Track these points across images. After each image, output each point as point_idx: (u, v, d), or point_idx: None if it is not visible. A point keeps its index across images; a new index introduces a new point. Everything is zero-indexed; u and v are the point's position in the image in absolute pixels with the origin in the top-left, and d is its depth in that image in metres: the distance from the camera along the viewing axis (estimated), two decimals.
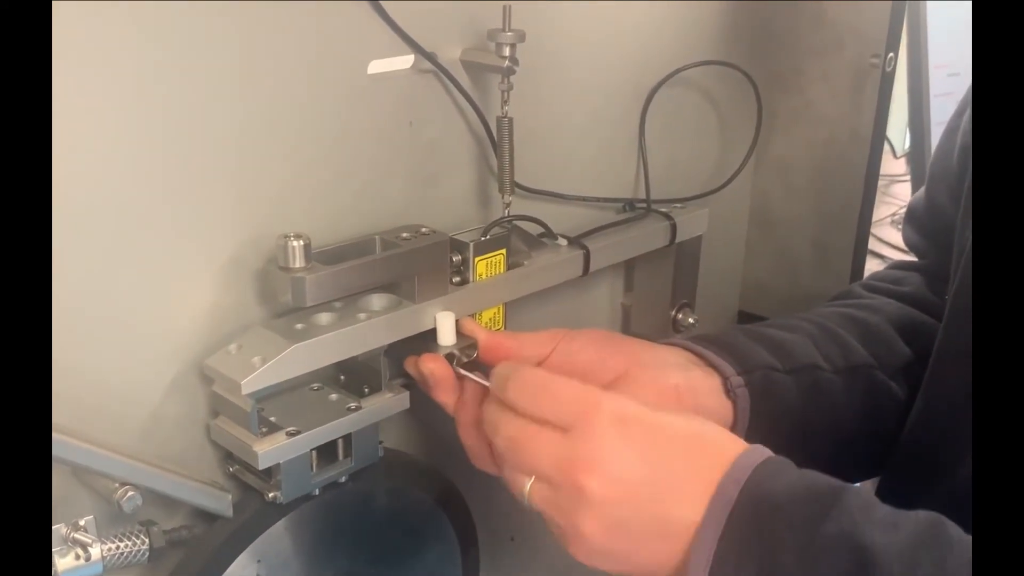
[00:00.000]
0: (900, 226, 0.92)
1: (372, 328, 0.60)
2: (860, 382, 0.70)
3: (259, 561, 0.60)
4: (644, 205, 0.83)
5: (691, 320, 0.87)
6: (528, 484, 0.54)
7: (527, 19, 0.67)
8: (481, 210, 0.73)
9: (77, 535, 0.51)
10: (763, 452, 0.52)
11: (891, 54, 0.88)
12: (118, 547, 0.54)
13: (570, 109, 0.77)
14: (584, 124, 0.79)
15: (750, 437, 0.63)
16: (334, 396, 0.63)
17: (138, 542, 0.55)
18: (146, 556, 0.55)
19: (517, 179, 0.71)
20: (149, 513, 0.58)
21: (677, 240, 0.82)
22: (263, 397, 0.61)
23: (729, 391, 0.65)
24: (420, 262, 0.62)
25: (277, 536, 0.61)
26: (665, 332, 0.87)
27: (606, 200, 0.81)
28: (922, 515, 0.49)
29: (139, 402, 0.57)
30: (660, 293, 0.86)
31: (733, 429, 0.64)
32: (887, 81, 0.89)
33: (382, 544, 0.68)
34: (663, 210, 0.83)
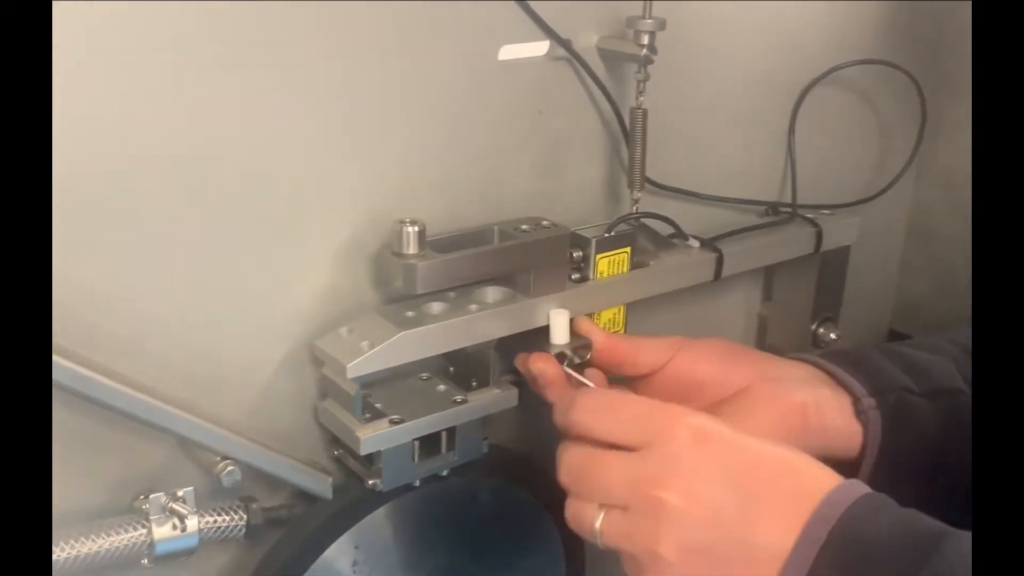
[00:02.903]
0: None
1: (482, 320, 0.59)
2: None
3: (357, 547, 0.60)
4: (789, 209, 0.78)
5: (833, 336, 0.81)
6: (599, 519, 0.50)
7: (670, 7, 0.64)
8: (610, 205, 0.70)
9: (175, 505, 0.52)
10: (859, 488, 0.48)
11: None
12: (215, 520, 0.54)
13: (711, 104, 0.73)
14: (726, 121, 0.75)
15: (880, 464, 0.58)
16: (442, 387, 0.61)
17: (236, 517, 0.55)
18: (243, 531, 0.55)
19: (649, 175, 0.68)
20: (252, 490, 0.58)
21: (823, 249, 0.77)
22: (370, 383, 0.60)
23: (860, 412, 0.60)
24: (537, 256, 0.60)
25: (376, 523, 0.60)
26: (804, 347, 0.82)
27: (747, 202, 0.77)
28: None
29: (250, 378, 0.57)
30: (801, 305, 0.81)
31: (862, 454, 0.60)
32: None
33: (483, 542, 0.67)
34: (809, 216, 0.78)
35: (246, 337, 0.56)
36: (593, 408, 0.52)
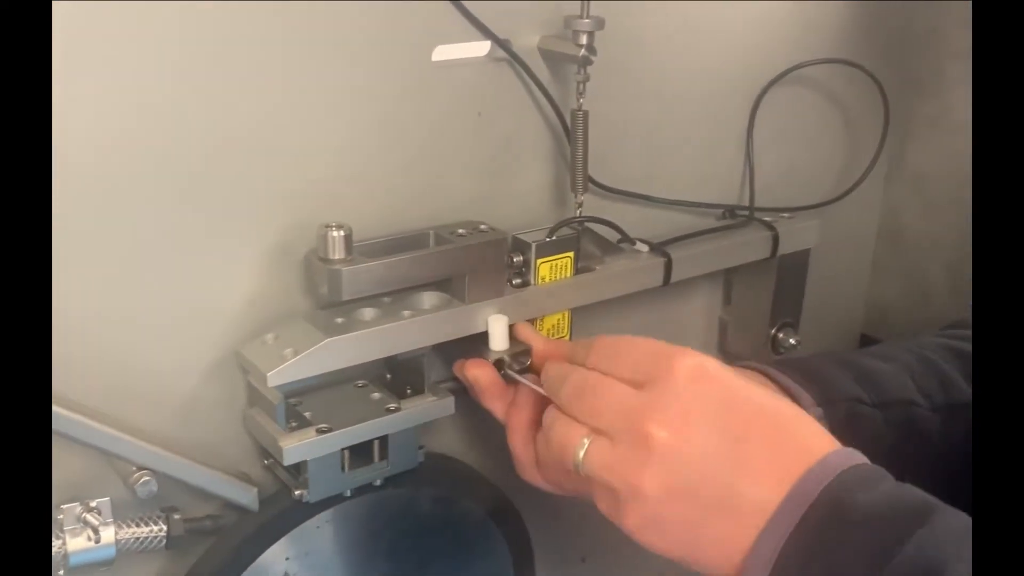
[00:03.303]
0: None
1: (415, 327, 0.57)
2: (961, 422, 0.62)
3: (288, 559, 0.59)
4: (747, 213, 0.77)
5: (793, 341, 0.79)
6: (585, 445, 0.49)
7: (617, 8, 0.63)
8: (557, 210, 0.69)
9: (89, 516, 0.50)
10: (857, 456, 0.46)
11: None
12: (135, 532, 0.53)
13: (665, 105, 0.72)
14: (681, 122, 0.73)
15: None
16: (376, 395, 0.60)
17: (156, 528, 0.54)
18: (163, 543, 0.54)
19: (599, 178, 0.67)
20: (183, 502, 0.57)
21: (780, 252, 0.75)
22: (302, 391, 0.59)
23: None
24: (472, 260, 0.59)
25: (309, 534, 0.59)
26: (763, 352, 0.80)
27: (702, 205, 0.75)
28: None
29: (175, 386, 0.56)
30: (760, 310, 0.79)
31: None
32: None
33: (426, 553, 0.65)
34: (767, 219, 0.76)
35: (169, 344, 0.55)
36: (604, 347, 0.51)
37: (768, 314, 0.78)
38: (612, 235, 0.68)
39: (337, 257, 0.54)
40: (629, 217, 0.70)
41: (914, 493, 0.45)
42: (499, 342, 0.60)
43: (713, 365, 0.48)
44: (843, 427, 0.59)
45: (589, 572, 0.83)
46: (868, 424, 0.60)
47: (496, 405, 0.59)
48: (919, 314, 0.92)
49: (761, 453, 0.46)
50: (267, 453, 0.59)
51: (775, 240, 0.75)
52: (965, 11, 0.82)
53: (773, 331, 0.79)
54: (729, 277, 0.81)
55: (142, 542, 0.53)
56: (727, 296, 0.82)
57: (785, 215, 0.78)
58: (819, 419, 0.59)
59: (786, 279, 0.78)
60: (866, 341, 0.97)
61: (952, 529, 0.42)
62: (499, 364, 0.60)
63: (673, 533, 0.46)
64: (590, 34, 0.60)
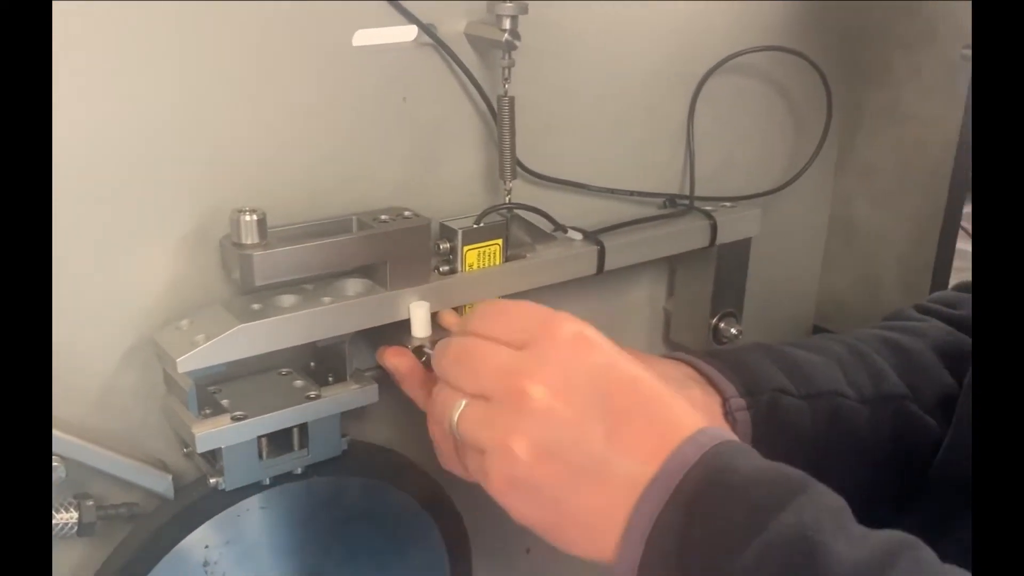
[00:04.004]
0: None
1: (333, 314, 0.57)
2: (889, 413, 0.61)
3: (207, 547, 0.58)
4: (687, 202, 0.76)
5: (734, 331, 0.79)
6: (462, 404, 0.48)
7: None
8: (489, 199, 0.68)
9: None
10: (729, 434, 0.46)
11: None
12: None
13: (598, 92, 0.71)
14: (616, 110, 0.73)
15: None
16: (298, 383, 0.60)
17: (67, 515, 0.53)
18: (75, 530, 0.53)
19: (534, 167, 0.67)
20: (104, 491, 0.57)
21: (719, 241, 0.75)
22: (222, 379, 0.59)
23: (727, 413, 0.58)
24: (394, 247, 0.58)
25: (229, 523, 0.58)
26: (705, 342, 0.80)
27: (640, 194, 0.75)
28: (896, 535, 0.42)
29: (90, 372, 0.55)
30: (701, 300, 0.79)
31: None
32: None
33: (357, 544, 0.65)
34: (707, 208, 0.76)
35: (83, 329, 0.54)
36: (484, 312, 0.51)
37: (709, 304, 0.78)
38: (547, 224, 0.68)
39: (250, 242, 0.54)
40: (566, 206, 0.70)
41: (789, 468, 0.44)
42: (420, 329, 0.59)
43: (594, 332, 0.48)
44: (767, 418, 0.59)
45: (534, 563, 0.83)
46: (793, 415, 0.60)
47: (417, 393, 0.59)
48: (870, 305, 0.92)
49: (636, 424, 0.45)
50: (186, 442, 0.58)
51: (713, 229, 0.74)
52: (912, 3, 0.82)
53: (714, 321, 0.78)
54: (673, 267, 0.81)
55: (53, 528, 0.53)
56: (671, 287, 0.82)
57: (726, 204, 0.77)
58: (740, 409, 0.59)
59: (726, 269, 0.77)
60: (819, 333, 0.96)
61: (827, 504, 0.42)
62: (420, 351, 0.59)
63: (541, 500, 0.46)
64: (514, 18, 0.60)
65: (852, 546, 0.40)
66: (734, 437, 0.46)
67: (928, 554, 0.41)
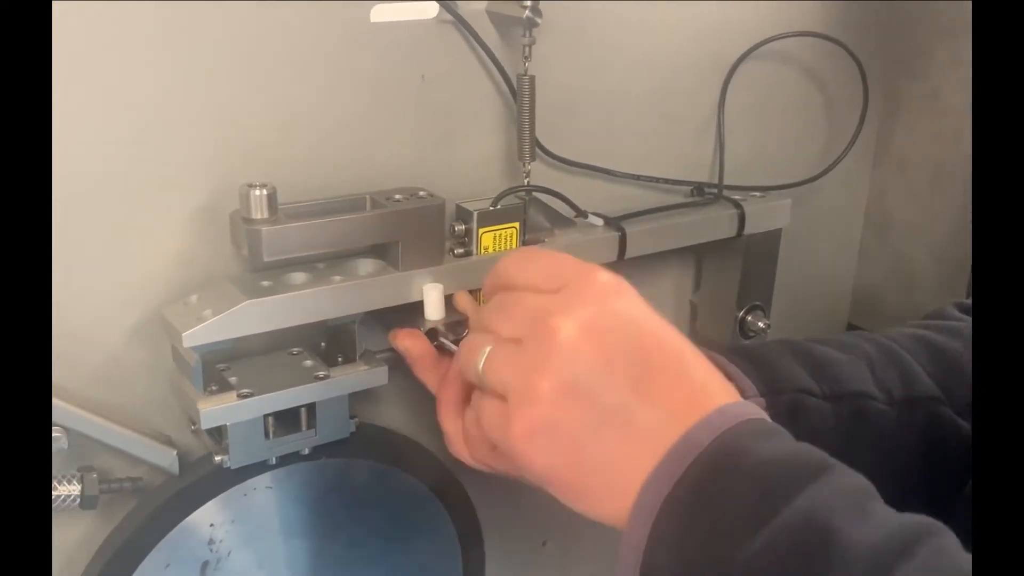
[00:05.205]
0: None
1: (343, 293, 0.56)
2: (920, 417, 0.58)
3: (212, 525, 0.57)
4: (715, 190, 0.74)
5: (761, 324, 0.77)
6: (487, 349, 0.47)
7: None
8: (508, 182, 0.67)
9: None
10: (757, 411, 0.44)
11: None
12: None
13: (624, 73, 0.69)
14: (643, 92, 0.71)
15: None
16: (308, 363, 0.59)
17: (70, 487, 0.53)
18: (77, 502, 0.53)
19: (554, 149, 0.65)
20: (110, 465, 0.56)
21: (746, 232, 0.73)
22: (231, 356, 0.58)
23: None
24: (407, 226, 0.57)
25: (235, 502, 0.58)
26: (731, 336, 0.78)
27: (667, 181, 0.73)
28: (918, 519, 0.39)
29: (96, 345, 0.55)
30: (728, 292, 0.77)
31: None
32: None
33: (364, 527, 0.64)
34: (736, 197, 0.74)
35: (92, 302, 0.54)
36: (518, 258, 0.50)
37: (735, 297, 0.76)
38: (566, 209, 0.67)
39: (259, 217, 0.53)
40: (587, 191, 0.69)
41: (812, 450, 0.42)
42: (434, 311, 0.58)
43: (631, 288, 0.47)
44: (787, 419, 0.56)
45: (550, 557, 0.81)
46: (815, 417, 0.57)
47: (428, 376, 0.58)
48: (905, 302, 0.89)
49: (664, 379, 0.44)
50: (192, 419, 0.58)
51: (741, 219, 0.72)
52: None
53: (741, 314, 0.76)
54: (699, 258, 0.79)
55: (55, 500, 0.52)
56: (697, 279, 0.80)
57: (756, 194, 0.75)
58: (761, 408, 0.56)
59: (755, 260, 0.75)
60: (854, 330, 0.94)
61: (847, 487, 0.40)
62: (432, 334, 0.58)
63: (561, 445, 0.44)
64: None
65: (868, 530, 0.38)
66: (762, 415, 0.44)
67: (951, 541, 0.39)
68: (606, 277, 0.46)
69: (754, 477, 0.41)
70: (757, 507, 0.39)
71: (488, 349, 0.47)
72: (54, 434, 0.51)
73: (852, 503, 0.39)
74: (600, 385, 0.44)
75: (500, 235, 0.62)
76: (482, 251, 0.61)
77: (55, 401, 0.51)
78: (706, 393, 0.44)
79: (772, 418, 0.56)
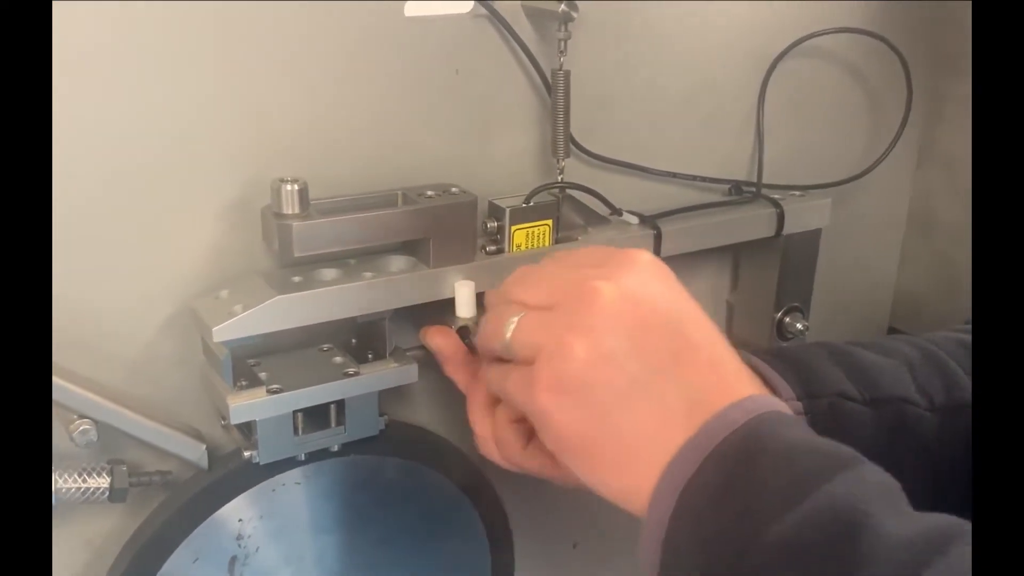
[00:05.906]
0: None
1: (374, 289, 0.56)
2: (962, 424, 0.57)
3: (241, 520, 0.57)
4: (753, 189, 0.73)
5: (800, 326, 0.75)
6: (516, 319, 0.46)
7: None
8: (542, 178, 0.66)
9: None
10: (783, 405, 0.44)
11: None
12: (76, 481, 0.52)
13: (660, 69, 0.68)
14: (680, 89, 0.70)
15: None
16: (338, 359, 0.58)
17: (100, 480, 0.53)
18: (106, 495, 0.53)
19: (588, 146, 0.64)
20: (140, 458, 0.57)
21: (785, 232, 0.72)
22: (262, 352, 0.58)
23: None
24: (439, 223, 0.57)
25: (264, 498, 0.58)
26: (769, 337, 0.76)
27: (704, 179, 0.72)
28: (951, 519, 0.38)
29: (127, 339, 0.55)
30: (765, 293, 0.75)
31: None
32: None
33: (393, 525, 0.63)
34: (775, 196, 0.72)
35: (124, 295, 0.54)
36: (556, 255, 0.51)
37: (773, 297, 0.74)
38: (601, 207, 0.66)
39: (290, 212, 0.53)
40: (622, 189, 0.68)
41: (843, 445, 0.42)
42: (465, 309, 0.58)
43: (672, 272, 0.47)
44: (825, 424, 0.55)
45: (580, 559, 0.80)
46: (854, 422, 0.56)
47: (458, 375, 0.57)
48: (948, 306, 0.87)
49: (701, 357, 0.44)
50: (222, 414, 0.57)
51: (780, 218, 0.71)
52: None
53: (779, 315, 0.75)
54: (737, 258, 0.78)
55: (84, 493, 0.52)
56: (734, 279, 0.79)
57: (795, 193, 0.74)
58: (798, 413, 0.55)
59: (793, 261, 0.74)
60: (894, 333, 0.92)
61: (879, 481, 0.39)
62: (464, 332, 0.57)
63: (588, 409, 0.43)
64: None
65: (902, 523, 0.37)
66: (788, 410, 0.44)
67: None
68: (648, 256, 0.47)
69: (787, 459, 0.40)
70: (788, 489, 0.39)
71: (516, 318, 0.46)
72: (83, 426, 0.51)
73: (886, 495, 0.39)
74: (636, 353, 0.43)
75: (533, 232, 0.61)
76: (514, 249, 0.60)
77: (86, 394, 0.51)
78: (740, 381, 0.44)
79: (810, 423, 0.55)
